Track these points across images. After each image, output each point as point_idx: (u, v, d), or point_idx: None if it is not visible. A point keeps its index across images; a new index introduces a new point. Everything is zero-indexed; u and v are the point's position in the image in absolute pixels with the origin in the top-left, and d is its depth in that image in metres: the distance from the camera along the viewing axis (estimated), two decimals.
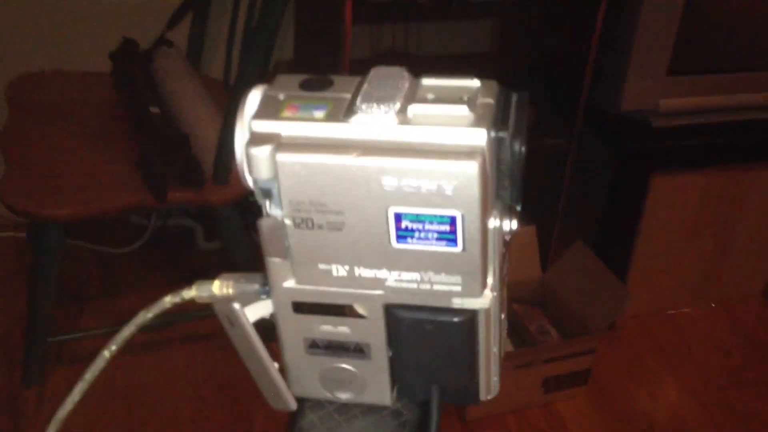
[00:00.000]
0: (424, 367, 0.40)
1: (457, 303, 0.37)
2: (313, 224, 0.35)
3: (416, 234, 0.35)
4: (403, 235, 0.35)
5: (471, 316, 0.37)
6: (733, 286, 1.98)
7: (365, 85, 0.35)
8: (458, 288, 0.36)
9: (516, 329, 1.70)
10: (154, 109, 1.49)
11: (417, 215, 0.34)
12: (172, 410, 1.57)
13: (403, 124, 0.34)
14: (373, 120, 0.34)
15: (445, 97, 0.34)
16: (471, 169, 0.33)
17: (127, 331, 0.41)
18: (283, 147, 0.34)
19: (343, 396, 0.41)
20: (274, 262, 0.37)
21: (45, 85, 1.64)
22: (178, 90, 1.52)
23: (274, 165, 0.34)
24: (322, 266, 0.37)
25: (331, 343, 0.39)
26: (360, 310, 0.38)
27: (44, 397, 1.50)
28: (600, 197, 1.87)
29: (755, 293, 2.00)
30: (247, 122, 0.35)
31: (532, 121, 1.78)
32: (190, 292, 0.41)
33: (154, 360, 1.67)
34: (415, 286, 0.36)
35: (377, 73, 0.36)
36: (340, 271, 0.37)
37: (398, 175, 0.33)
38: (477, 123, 0.33)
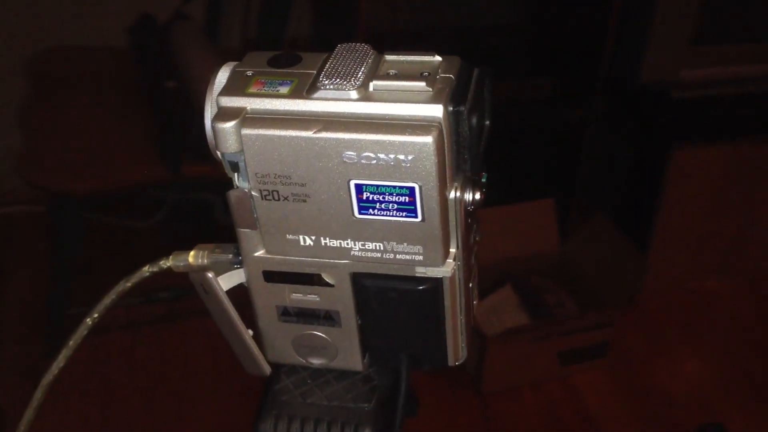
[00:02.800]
0: (392, 334, 0.41)
1: (421, 271, 0.38)
2: (278, 196, 0.37)
3: (377, 205, 0.36)
4: (364, 206, 0.36)
5: (435, 284, 0.38)
6: (757, 260, 1.96)
7: (330, 62, 0.36)
8: (420, 257, 0.38)
9: (534, 302, 1.70)
10: (171, 83, 1.51)
11: (377, 186, 0.36)
12: (191, 382, 1.60)
13: (364, 99, 0.35)
14: (335, 95, 0.35)
15: (405, 73, 0.36)
16: (427, 143, 0.34)
17: (108, 299, 0.43)
18: (248, 122, 0.35)
19: (316, 362, 0.43)
20: (244, 233, 0.39)
21: (64, 61, 1.66)
22: (194, 64, 1.53)
23: (240, 139, 0.35)
24: (290, 236, 0.38)
25: (302, 310, 0.41)
26: (327, 278, 0.40)
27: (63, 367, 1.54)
28: (620, 169, 1.85)
29: None
30: (215, 98, 0.36)
31: (551, 93, 1.77)
32: (168, 262, 0.43)
33: (172, 332, 1.70)
34: (379, 255, 0.38)
35: (342, 49, 0.37)
36: (307, 241, 0.38)
37: (357, 149, 0.35)
38: (434, 98, 0.35)
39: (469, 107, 0.35)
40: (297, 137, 0.35)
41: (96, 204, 1.91)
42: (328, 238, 0.38)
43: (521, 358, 1.58)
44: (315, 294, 0.40)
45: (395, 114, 0.35)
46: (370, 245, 0.38)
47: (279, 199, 0.37)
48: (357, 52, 0.37)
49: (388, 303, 0.39)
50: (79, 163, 1.41)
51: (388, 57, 0.37)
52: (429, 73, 0.35)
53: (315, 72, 0.36)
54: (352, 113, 0.35)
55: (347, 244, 0.38)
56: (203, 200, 1.95)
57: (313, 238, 0.38)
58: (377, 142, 0.34)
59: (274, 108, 0.36)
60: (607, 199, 1.90)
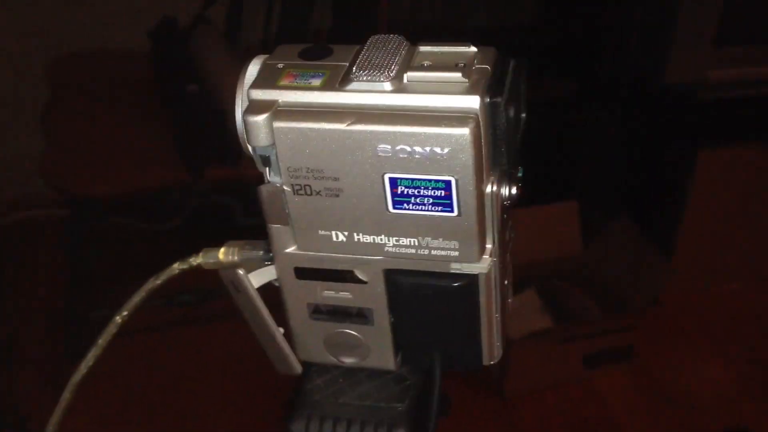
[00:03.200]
0: (426, 332, 0.41)
1: (456, 268, 0.38)
2: (311, 191, 0.36)
3: (412, 199, 0.35)
4: (399, 200, 0.36)
5: (470, 281, 0.38)
6: None
7: (363, 54, 0.36)
8: (456, 253, 0.37)
9: (557, 305, 1.69)
10: (192, 87, 1.51)
11: (412, 180, 0.35)
12: (212, 385, 1.60)
13: (398, 91, 0.34)
14: (368, 87, 0.35)
15: (440, 64, 0.35)
16: (463, 135, 0.33)
17: (137, 297, 0.43)
18: (280, 114, 0.35)
19: (348, 360, 0.42)
20: (275, 229, 0.38)
21: (85, 65, 1.67)
22: (215, 67, 1.54)
23: (271, 132, 0.35)
24: (322, 232, 0.37)
25: (334, 308, 0.40)
26: (360, 275, 0.39)
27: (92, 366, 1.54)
28: (645, 172, 1.84)
29: None
30: (245, 91, 0.36)
31: (567, 92, 1.76)
32: (198, 259, 0.42)
33: (195, 334, 1.70)
34: (413, 251, 0.37)
35: (375, 41, 0.37)
36: (339, 236, 0.37)
37: (392, 142, 0.34)
38: (470, 89, 0.34)
39: (506, 99, 0.34)
40: (330, 130, 0.34)
41: (117, 207, 1.92)
42: (361, 234, 0.37)
43: (545, 361, 1.57)
44: (347, 291, 0.40)
45: (431, 106, 0.34)
46: (404, 241, 0.37)
47: (311, 194, 0.36)
48: (390, 43, 0.36)
49: (423, 300, 0.39)
50: (100, 167, 1.42)
51: (422, 48, 0.36)
52: (464, 64, 0.35)
53: (347, 64, 0.36)
54: (386, 105, 0.34)
55: (381, 239, 0.37)
56: (224, 203, 1.96)
57: (346, 233, 0.37)
58: (412, 134, 0.34)
59: (307, 100, 0.35)
60: (631, 201, 1.88)
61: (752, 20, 1.71)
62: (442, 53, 0.36)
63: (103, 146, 1.48)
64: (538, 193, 1.67)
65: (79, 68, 1.66)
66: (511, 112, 0.35)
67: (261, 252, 0.41)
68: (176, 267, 0.42)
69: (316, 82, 0.35)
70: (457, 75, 0.34)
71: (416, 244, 0.37)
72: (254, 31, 1.83)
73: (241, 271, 0.40)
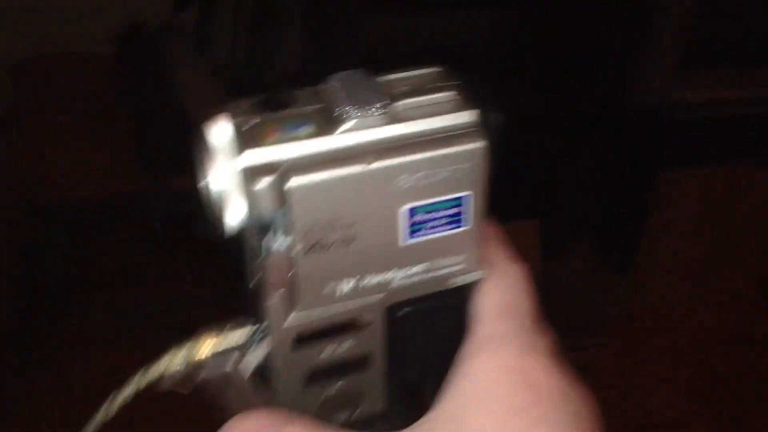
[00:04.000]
0: (423, 361, 0.40)
1: (456, 282, 0.38)
2: (323, 245, 0.34)
3: (427, 224, 0.36)
4: (414, 229, 0.36)
5: (467, 291, 0.38)
6: (739, 285, 1.97)
7: (335, 92, 0.36)
8: (460, 266, 0.37)
9: None
10: (159, 94, 1.51)
11: (429, 205, 0.35)
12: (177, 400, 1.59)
13: (398, 121, 0.35)
14: (366, 123, 0.34)
15: (419, 88, 0.36)
16: (481, 148, 0.35)
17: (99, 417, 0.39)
18: (292, 171, 0.33)
19: (342, 417, 0.40)
20: (275, 300, 0.36)
21: (49, 68, 1.66)
22: (183, 75, 1.54)
23: (279, 195, 0.33)
24: (328, 286, 0.36)
25: (332, 365, 0.38)
26: (364, 319, 0.38)
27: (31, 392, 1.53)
28: (606, 192, 1.87)
29: (761, 293, 1.99)
30: (223, 159, 0.34)
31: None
32: (165, 366, 0.38)
33: (158, 347, 1.69)
34: (420, 277, 0.37)
35: (339, 78, 0.36)
36: (347, 285, 0.36)
37: (413, 171, 0.34)
38: (465, 104, 0.35)
39: (491, 108, 0.36)
40: (349, 175, 0.33)
41: (77, 214, 1.90)
42: (369, 276, 0.36)
43: None
44: (347, 344, 0.38)
45: (435, 128, 0.35)
46: (412, 269, 0.37)
47: (323, 249, 0.34)
48: (356, 76, 0.36)
49: (424, 325, 0.38)
50: (62, 173, 1.41)
51: (391, 76, 0.37)
52: (442, 84, 0.36)
53: (326, 105, 0.35)
54: (390, 138, 0.34)
55: (389, 276, 0.36)
56: (188, 213, 1.95)
57: (354, 280, 0.36)
58: (434, 158, 0.34)
59: (308, 152, 0.34)
60: (592, 221, 1.91)
61: (716, 44, 1.75)
62: (414, 77, 0.37)
63: (65, 152, 1.48)
64: (498, 211, 1.69)
65: (42, 72, 1.65)
66: (500, 119, 0.36)
67: (248, 332, 0.37)
68: (138, 380, 0.38)
69: (307, 130, 0.34)
70: (450, 93, 0.35)
71: (423, 269, 0.37)
72: (224, 38, 1.83)
73: (230, 368, 0.37)
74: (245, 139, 0.34)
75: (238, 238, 0.35)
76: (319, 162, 0.33)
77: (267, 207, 0.33)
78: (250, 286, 0.36)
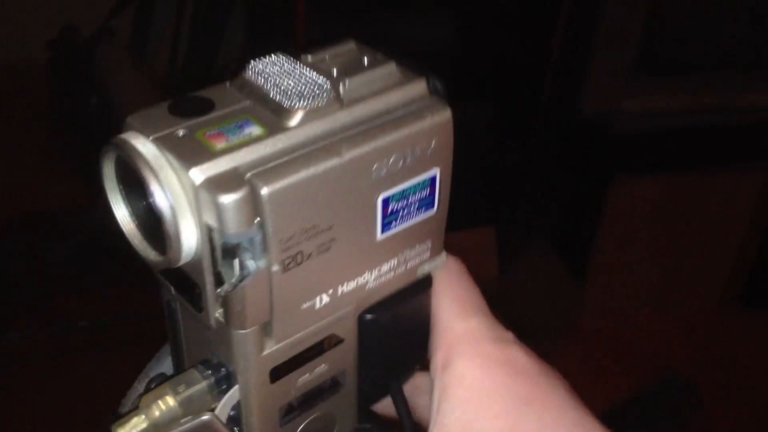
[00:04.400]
0: (389, 361, 0.37)
1: (423, 271, 0.35)
2: (302, 257, 0.30)
3: (401, 213, 0.33)
4: (388, 221, 0.32)
5: (431, 281, 0.36)
6: (691, 293, 1.99)
7: (263, 83, 0.31)
8: (428, 254, 0.35)
9: None
10: (93, 100, 1.46)
11: (402, 192, 0.32)
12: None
13: (351, 103, 0.31)
14: (320, 113, 0.30)
15: (350, 65, 0.33)
16: (447, 118, 0.32)
17: None
18: (261, 179, 0.28)
19: None
20: (247, 334, 0.31)
21: None
22: (118, 81, 1.49)
23: (251, 210, 0.28)
24: (305, 305, 0.32)
25: (307, 394, 0.35)
26: (339, 333, 0.34)
27: None
28: (560, 199, 1.86)
29: (712, 300, 2.01)
30: (158, 180, 0.28)
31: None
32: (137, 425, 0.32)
33: (93, 362, 1.63)
34: (391, 275, 0.34)
35: (257, 68, 0.32)
36: (323, 299, 0.32)
37: (386, 155, 0.31)
38: (408, 75, 0.33)
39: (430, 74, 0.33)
40: (325, 171, 0.29)
41: (7, 228, 1.83)
42: (345, 283, 0.32)
43: None
44: (324, 363, 0.34)
45: (393, 104, 0.32)
46: (385, 267, 0.33)
47: (302, 262, 0.30)
48: (277, 63, 0.32)
49: (394, 326, 0.35)
50: None
51: (313, 57, 0.33)
52: (371, 57, 0.33)
53: (259, 99, 0.31)
54: (352, 122, 0.31)
55: (364, 279, 0.33)
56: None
57: (331, 291, 0.32)
58: (404, 138, 0.31)
59: (267, 153, 0.29)
60: (547, 228, 1.90)
61: (667, 53, 1.76)
62: (339, 54, 0.33)
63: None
64: (455, 219, 1.67)
65: None
66: (440, 84, 0.34)
67: (211, 379, 0.32)
68: None
69: (255, 130, 0.30)
70: (392, 66, 0.32)
71: (395, 264, 0.34)
72: (162, 43, 1.78)
73: (207, 417, 0.32)
74: (185, 153, 0.29)
75: (191, 268, 0.30)
76: (285, 163, 0.29)
77: (236, 225, 0.28)
78: (211, 322, 0.31)
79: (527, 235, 1.86)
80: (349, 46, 0.34)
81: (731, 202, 1.86)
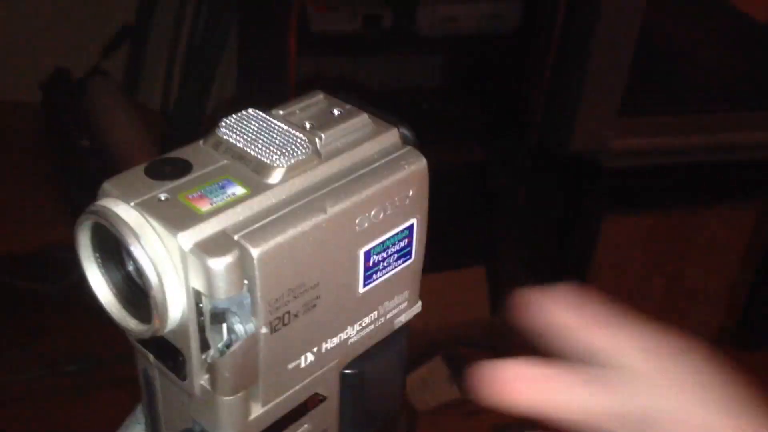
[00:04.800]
0: (370, 416, 0.37)
1: (400, 321, 0.35)
2: (289, 318, 0.30)
3: (381, 265, 0.33)
4: (369, 274, 0.33)
5: (407, 330, 0.36)
6: (683, 332, 1.98)
7: (239, 141, 0.31)
8: (404, 304, 0.35)
9: (464, 374, 1.68)
10: (85, 143, 1.46)
11: (382, 244, 0.32)
12: None
13: (329, 157, 0.31)
14: (300, 169, 0.31)
15: (322, 118, 0.33)
16: (423, 166, 0.32)
17: None
18: (250, 240, 0.28)
19: None
20: (234, 400, 0.30)
21: None
22: (111, 122, 1.50)
23: (240, 274, 0.28)
24: (291, 365, 0.31)
25: None
26: (323, 391, 0.34)
27: None
28: (551, 238, 1.87)
29: (705, 339, 2.00)
30: (154, 243, 0.28)
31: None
32: None
33: (78, 405, 1.61)
34: (372, 328, 0.34)
35: (230, 125, 0.32)
36: (308, 358, 0.32)
37: (367, 209, 0.31)
38: (382, 126, 0.33)
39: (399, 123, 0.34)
40: (312, 228, 0.29)
41: (2, 266, 1.82)
42: (328, 340, 0.32)
43: None
44: (307, 423, 0.34)
45: (369, 155, 0.32)
46: (366, 320, 0.34)
47: (289, 322, 0.30)
48: (249, 119, 0.32)
49: (374, 378, 0.35)
50: None
51: (284, 111, 0.33)
52: (341, 110, 0.33)
53: (236, 157, 0.31)
54: (329, 176, 0.31)
55: (347, 333, 0.33)
56: None
57: (316, 349, 0.32)
58: (385, 189, 0.31)
59: (252, 213, 0.29)
60: (538, 266, 1.90)
61: (655, 92, 1.78)
62: (307, 106, 0.34)
63: None
64: (444, 259, 1.67)
65: None
66: (408, 132, 0.34)
67: None
68: None
69: (237, 190, 0.30)
70: (364, 117, 0.33)
71: (375, 316, 0.34)
72: (154, 84, 1.79)
73: None
74: (169, 217, 0.28)
75: (174, 335, 0.30)
76: (271, 222, 0.29)
77: (226, 290, 0.28)
78: (196, 390, 0.30)
79: (518, 273, 1.86)
80: (318, 98, 0.34)
81: (723, 239, 1.86)
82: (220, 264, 0.27)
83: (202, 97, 1.57)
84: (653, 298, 1.90)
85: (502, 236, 1.82)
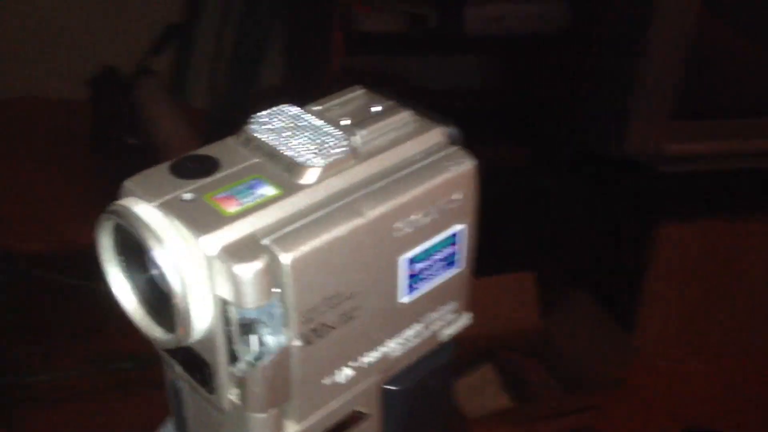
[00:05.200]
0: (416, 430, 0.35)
1: (446, 335, 0.33)
2: (324, 330, 0.28)
3: (424, 274, 0.31)
4: (412, 283, 0.30)
5: (454, 343, 0.34)
6: (743, 339, 1.93)
7: (272, 138, 0.29)
8: (452, 316, 0.33)
9: (514, 382, 1.65)
10: (132, 141, 1.47)
11: (426, 251, 0.30)
12: None
13: (367, 157, 0.29)
14: (334, 170, 0.28)
15: (365, 113, 0.31)
16: (472, 169, 0.30)
17: None
18: (283, 245, 0.26)
19: None
20: (265, 418, 0.28)
21: (20, 113, 1.63)
22: (157, 121, 1.50)
23: (270, 279, 0.26)
24: (325, 380, 0.29)
25: None
26: (363, 409, 0.32)
27: None
28: (605, 243, 1.83)
29: (758, 344, 1.95)
30: (177, 247, 0.26)
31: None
32: None
33: (129, 403, 1.62)
34: (416, 340, 0.32)
35: (262, 121, 0.30)
36: (346, 372, 0.30)
37: (406, 213, 0.29)
38: (428, 123, 0.31)
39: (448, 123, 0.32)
40: (348, 233, 0.27)
41: (47, 263, 1.85)
42: (368, 354, 0.30)
43: None
44: None
45: (410, 155, 0.30)
46: (409, 332, 0.31)
47: (324, 334, 0.28)
48: (286, 115, 0.30)
49: (419, 395, 0.33)
50: (30, 221, 1.36)
51: (317, 107, 0.31)
52: (379, 105, 0.31)
53: (268, 155, 0.29)
54: (369, 177, 0.29)
55: (387, 347, 0.31)
56: None
57: (354, 363, 0.30)
58: (428, 193, 0.29)
59: (284, 216, 0.27)
60: (590, 273, 1.87)
61: (710, 95, 1.73)
62: (345, 102, 0.32)
63: (36, 198, 1.43)
64: (493, 263, 1.64)
65: (12, 116, 1.61)
66: (457, 132, 0.32)
67: None
68: None
69: (267, 191, 0.28)
70: (407, 114, 0.30)
71: (420, 329, 0.32)
72: (200, 81, 1.79)
73: None
74: (194, 219, 0.26)
75: (201, 345, 0.28)
76: (305, 226, 0.27)
77: (255, 298, 0.26)
78: (224, 405, 0.28)
79: (569, 280, 1.83)
80: (358, 93, 0.32)
81: None
82: (247, 270, 0.25)
83: (247, 96, 1.56)
84: (712, 307, 1.86)
85: (553, 241, 1.78)
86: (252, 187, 0.28)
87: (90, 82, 1.60)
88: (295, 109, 0.31)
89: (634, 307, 1.79)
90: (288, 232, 0.26)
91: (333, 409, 0.30)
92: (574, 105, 1.63)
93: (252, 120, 0.30)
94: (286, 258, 0.26)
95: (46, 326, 1.75)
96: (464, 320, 0.34)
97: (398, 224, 0.29)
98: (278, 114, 0.30)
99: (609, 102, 1.64)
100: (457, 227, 0.31)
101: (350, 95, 0.32)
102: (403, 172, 0.29)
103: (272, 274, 0.26)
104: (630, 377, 1.82)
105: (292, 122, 0.30)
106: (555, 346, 1.73)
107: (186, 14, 1.66)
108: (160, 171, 0.28)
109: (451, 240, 0.31)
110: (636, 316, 1.79)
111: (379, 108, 0.31)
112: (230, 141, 0.30)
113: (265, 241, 0.26)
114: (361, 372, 0.30)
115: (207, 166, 0.29)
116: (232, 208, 0.27)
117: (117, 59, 1.64)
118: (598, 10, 1.59)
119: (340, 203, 0.28)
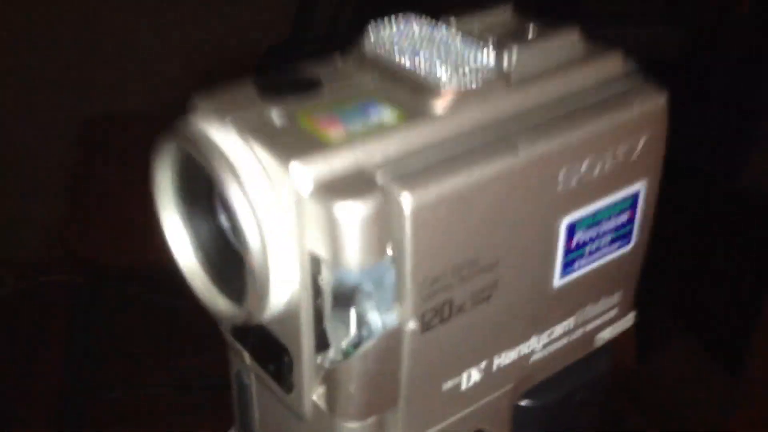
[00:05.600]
0: None
1: (603, 338, 0.27)
2: (451, 310, 0.21)
3: (587, 248, 0.24)
4: (571, 259, 0.24)
5: (611, 349, 0.28)
6: None
7: (391, 52, 0.23)
8: (613, 312, 0.27)
9: (609, 426, 1.59)
10: None
11: (594, 215, 0.23)
12: None
13: (519, 84, 0.22)
14: (478, 94, 0.22)
15: (514, 31, 0.24)
16: (661, 104, 0.23)
17: None
18: (404, 185, 0.20)
19: None
20: (362, 429, 0.22)
21: (117, 128, 1.65)
22: None
23: (382, 230, 0.19)
24: (448, 384, 0.23)
25: None
26: (488, 427, 0.25)
27: None
28: (711, 281, 1.76)
29: None
30: (258, 181, 0.20)
31: None
32: None
33: (210, 425, 1.62)
34: (565, 341, 0.26)
35: (381, 30, 0.24)
36: (472, 377, 0.23)
37: (578, 158, 0.22)
38: (603, 48, 0.24)
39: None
40: (496, 176, 0.20)
41: (140, 279, 1.86)
42: (503, 353, 0.24)
43: None
44: None
45: (579, 84, 0.23)
46: (558, 330, 0.25)
47: (450, 316, 0.21)
48: (413, 27, 0.24)
49: (564, 415, 0.27)
50: (125, 236, 1.37)
51: (459, 21, 0.24)
52: (537, 23, 0.24)
53: (391, 73, 0.22)
54: (523, 108, 0.22)
55: (529, 347, 0.24)
56: None
57: (484, 364, 0.23)
58: (602, 134, 0.22)
59: (405, 149, 0.21)
60: (693, 314, 1.80)
61: None
62: (494, 20, 0.25)
63: (130, 215, 1.44)
64: None
65: (109, 131, 1.63)
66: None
67: None
68: None
69: (385, 115, 0.21)
70: (574, 34, 0.23)
71: (571, 326, 0.25)
72: None
73: None
74: (283, 145, 0.20)
75: (279, 325, 0.21)
76: (434, 164, 0.20)
77: (360, 256, 0.19)
78: (305, 408, 0.22)
79: (671, 321, 1.76)
80: (507, 12, 0.25)
81: None
82: (352, 213, 0.19)
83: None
84: None
85: (657, 278, 1.72)
86: (364, 110, 0.21)
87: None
88: (424, 21, 0.24)
89: (742, 350, 1.71)
90: (412, 169, 0.20)
91: (451, 424, 0.23)
92: (692, 131, 1.57)
93: (368, 30, 0.24)
94: (407, 201, 0.19)
95: (133, 342, 1.76)
96: (627, 321, 0.28)
97: (564, 172, 0.22)
98: (403, 26, 0.24)
99: (730, 131, 1.59)
100: (638, 185, 0.24)
101: (497, 13, 0.25)
102: (570, 105, 0.23)
103: (386, 223, 0.19)
104: (736, 424, 1.73)
105: (421, 36, 0.24)
106: (651, 392, 1.67)
107: (290, 35, 1.67)
108: (242, 87, 0.22)
109: (629, 202, 0.24)
110: (744, 359, 1.72)
111: (535, 26, 0.24)
112: (337, 61, 0.24)
113: (380, 178, 0.20)
114: (492, 378, 0.24)
115: (305, 84, 0.22)
116: (335, 133, 0.20)
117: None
118: (712, 37, 1.54)
119: (485, 138, 0.21)
